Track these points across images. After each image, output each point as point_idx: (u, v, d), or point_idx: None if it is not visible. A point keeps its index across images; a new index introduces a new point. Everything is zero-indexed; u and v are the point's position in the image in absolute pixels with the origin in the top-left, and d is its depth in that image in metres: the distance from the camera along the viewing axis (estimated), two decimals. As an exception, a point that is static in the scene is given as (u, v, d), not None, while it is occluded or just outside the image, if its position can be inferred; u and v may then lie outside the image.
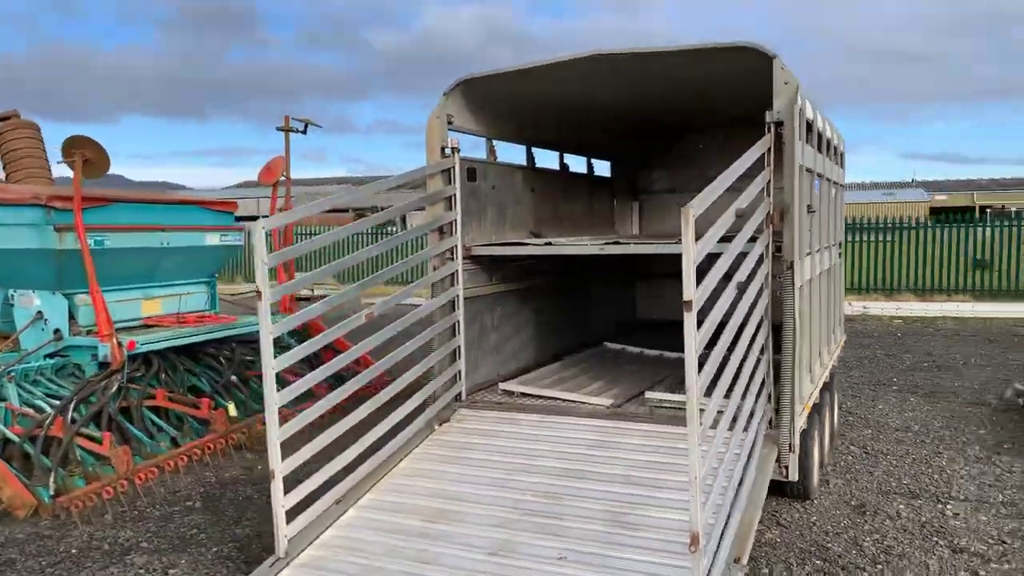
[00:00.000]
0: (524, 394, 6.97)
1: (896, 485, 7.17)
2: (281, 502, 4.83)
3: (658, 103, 8.16)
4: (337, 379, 10.03)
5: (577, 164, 9.74)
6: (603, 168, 10.64)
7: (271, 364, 4.80)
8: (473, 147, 7.30)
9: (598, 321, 10.19)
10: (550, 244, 6.96)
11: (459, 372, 6.84)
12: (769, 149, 5.64)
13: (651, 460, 5.48)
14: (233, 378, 9.08)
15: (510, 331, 7.89)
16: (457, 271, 6.79)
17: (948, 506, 6.61)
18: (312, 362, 10.54)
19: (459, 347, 6.83)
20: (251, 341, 10.09)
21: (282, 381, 4.89)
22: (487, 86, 6.89)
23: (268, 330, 4.80)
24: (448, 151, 6.72)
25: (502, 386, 7.13)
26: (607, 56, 6.13)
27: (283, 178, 10.73)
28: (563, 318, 9.11)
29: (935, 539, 5.92)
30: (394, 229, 29.90)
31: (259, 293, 4.77)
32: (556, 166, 9.23)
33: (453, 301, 6.77)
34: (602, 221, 10.66)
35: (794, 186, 5.50)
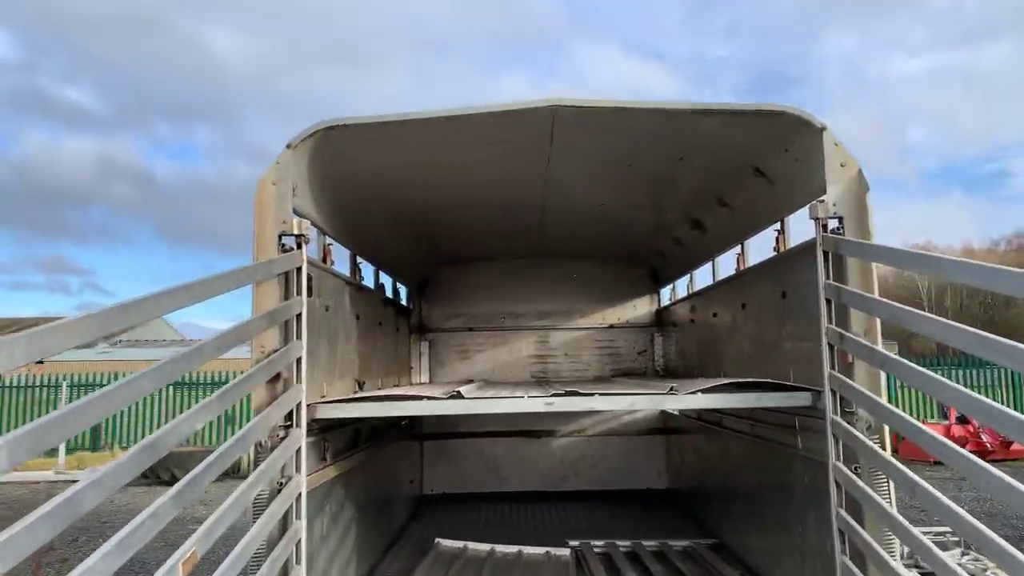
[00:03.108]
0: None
1: None
2: None
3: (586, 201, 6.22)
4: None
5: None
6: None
7: None
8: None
9: (398, 504, 7.44)
10: (484, 398, 4.32)
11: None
12: (827, 258, 3.90)
13: None
14: None
15: (336, 540, 4.92)
16: (300, 448, 3.85)
17: None
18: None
19: (301, 594, 3.77)
20: None
21: None
22: (353, 142, 4.31)
23: None
24: (291, 243, 3.93)
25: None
26: (574, 108, 4.03)
27: None
28: (378, 504, 6.30)
29: None
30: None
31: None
32: (372, 284, 6.64)
33: (290, 509, 3.76)
34: (403, 363, 8.12)
35: (872, 314, 3.77)
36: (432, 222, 6.82)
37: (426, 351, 8.96)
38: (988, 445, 17.40)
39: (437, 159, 4.92)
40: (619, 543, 6.44)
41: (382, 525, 6.41)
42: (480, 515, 8.09)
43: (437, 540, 6.52)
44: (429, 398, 4.22)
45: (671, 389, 4.23)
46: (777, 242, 4.90)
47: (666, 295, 9.05)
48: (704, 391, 4.17)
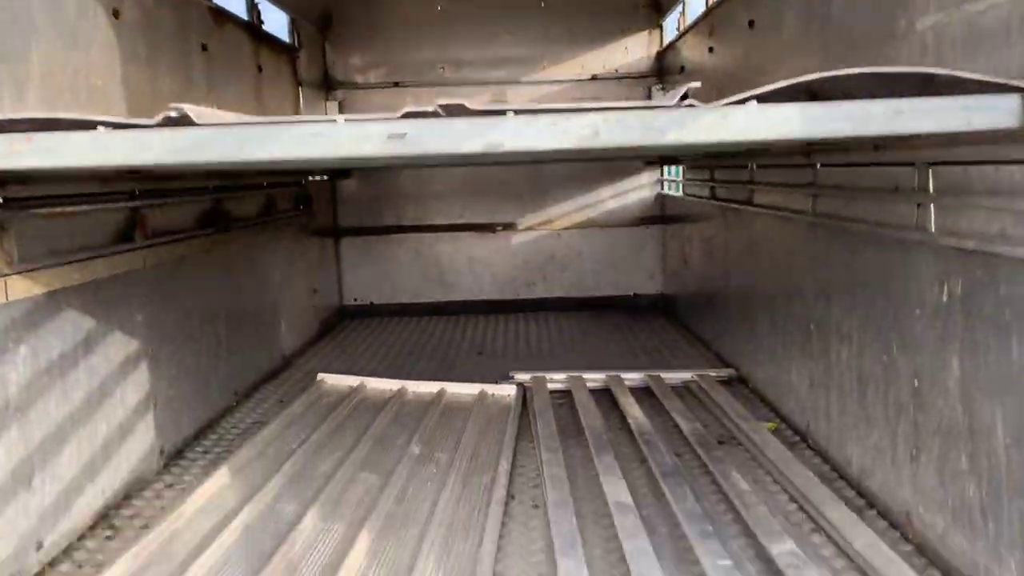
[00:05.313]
0: None
1: None
2: None
3: None
4: None
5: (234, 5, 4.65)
6: (277, 26, 5.64)
7: None
8: None
9: (278, 328, 5.29)
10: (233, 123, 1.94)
11: None
12: None
13: None
14: None
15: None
16: None
17: None
18: None
19: None
20: None
21: None
22: None
23: None
24: None
25: None
26: None
27: None
28: (227, 331, 4.17)
29: None
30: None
31: None
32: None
33: None
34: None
35: None
36: None
37: (335, 112, 6.52)
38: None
39: None
40: (587, 376, 4.39)
41: (237, 361, 4.31)
42: (409, 337, 6.07)
43: (320, 376, 4.47)
44: (119, 125, 1.84)
45: (684, 97, 1.81)
46: None
47: (671, 28, 6.45)
48: (785, 89, 1.76)
